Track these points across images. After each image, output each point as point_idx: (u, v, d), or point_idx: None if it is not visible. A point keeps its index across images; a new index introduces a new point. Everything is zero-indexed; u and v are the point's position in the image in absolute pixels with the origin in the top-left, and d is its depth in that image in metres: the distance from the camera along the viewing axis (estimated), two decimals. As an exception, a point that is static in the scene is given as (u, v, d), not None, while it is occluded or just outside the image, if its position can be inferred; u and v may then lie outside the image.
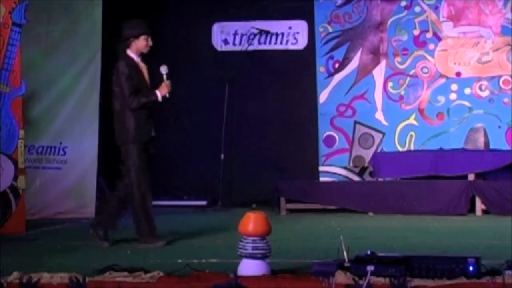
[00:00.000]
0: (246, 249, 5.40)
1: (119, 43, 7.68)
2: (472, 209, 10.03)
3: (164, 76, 7.65)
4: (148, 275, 5.20)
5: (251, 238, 5.41)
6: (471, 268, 4.97)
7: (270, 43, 11.58)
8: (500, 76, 10.96)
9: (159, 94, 7.58)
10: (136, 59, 7.63)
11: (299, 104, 11.35)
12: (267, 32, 11.48)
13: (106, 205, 7.89)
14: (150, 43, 7.69)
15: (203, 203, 11.22)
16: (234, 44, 11.66)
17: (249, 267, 5.34)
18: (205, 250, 6.93)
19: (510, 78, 10.92)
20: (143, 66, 7.68)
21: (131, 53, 7.61)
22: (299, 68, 11.32)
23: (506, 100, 10.92)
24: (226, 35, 11.69)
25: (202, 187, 11.50)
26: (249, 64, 11.46)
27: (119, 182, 7.73)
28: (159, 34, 11.82)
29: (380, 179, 10.67)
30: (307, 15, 11.44)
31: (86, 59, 10.25)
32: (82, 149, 10.18)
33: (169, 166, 11.64)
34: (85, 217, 9.80)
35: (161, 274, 5.22)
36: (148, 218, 7.52)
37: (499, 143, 10.75)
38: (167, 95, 7.61)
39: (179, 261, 6.08)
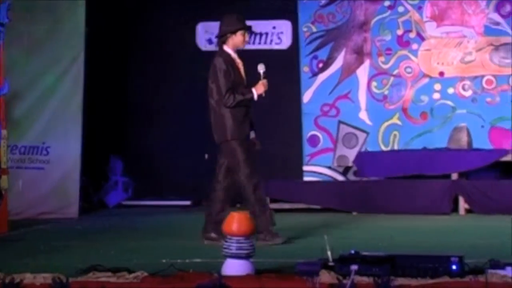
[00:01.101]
0: (230, 249, 5.39)
1: (217, 39, 7.64)
2: (455, 208, 10.07)
3: (261, 75, 7.57)
4: (132, 275, 5.19)
5: (235, 238, 5.41)
6: (454, 267, 4.98)
7: (254, 42, 11.57)
8: (483, 76, 11.00)
9: (255, 92, 7.50)
10: (233, 55, 7.56)
11: (283, 103, 11.35)
12: (251, 32, 11.46)
13: (210, 208, 7.71)
14: (247, 38, 7.66)
15: (188, 203, 11.21)
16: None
17: (233, 267, 5.34)
18: (189, 250, 6.92)
19: (493, 78, 10.96)
20: (239, 62, 7.60)
21: (228, 49, 7.54)
22: (283, 68, 11.32)
23: (489, 99, 10.96)
24: (211, 35, 11.66)
25: (186, 187, 11.49)
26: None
27: (216, 182, 7.61)
28: (144, 34, 11.84)
29: (364, 179, 10.69)
30: (291, 15, 11.45)
31: (69, 59, 10.21)
32: (65, 149, 10.13)
33: (154, 166, 11.63)
34: (68, 218, 9.78)
35: (145, 274, 5.20)
36: (264, 214, 7.35)
37: (482, 142, 10.80)
38: (264, 94, 7.54)
39: (163, 261, 6.06)
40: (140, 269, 5.28)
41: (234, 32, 7.51)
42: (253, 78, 11.32)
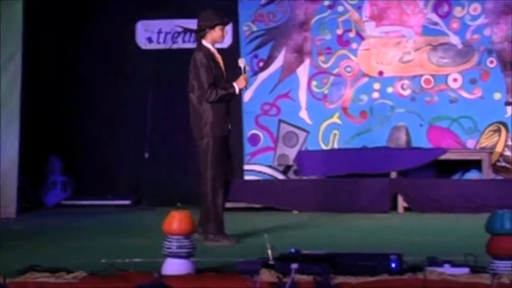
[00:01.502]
0: (170, 248, 5.37)
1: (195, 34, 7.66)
2: (394, 207, 10.16)
3: (242, 69, 7.56)
4: (71, 275, 5.13)
5: (175, 237, 5.39)
6: (393, 265, 5.02)
7: (194, 41, 11.53)
8: (421, 75, 11.12)
9: (237, 87, 7.48)
10: (213, 49, 7.52)
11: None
12: (191, 31, 11.44)
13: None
14: (226, 33, 7.66)
15: (128, 202, 11.14)
16: (158, 42, 11.61)
17: (173, 266, 5.31)
18: (129, 249, 6.87)
19: (431, 78, 11.08)
20: (219, 57, 7.56)
21: (207, 43, 7.51)
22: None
23: (427, 99, 11.08)
24: (150, 34, 11.63)
25: (126, 186, 11.43)
26: (173, 62, 11.41)
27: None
28: (83, 32, 11.73)
29: (304, 178, 10.74)
30: (231, 14, 11.39)
31: (6, 57, 10.08)
32: (3, 148, 10.00)
33: (94, 165, 11.54)
34: (5, 217, 9.66)
35: (84, 274, 5.15)
36: (218, 216, 7.38)
37: (420, 141, 10.91)
38: (245, 88, 7.59)
39: (103, 261, 6.01)
40: (79, 269, 5.22)
41: (213, 27, 7.52)
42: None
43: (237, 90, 7.52)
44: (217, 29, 7.52)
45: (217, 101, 7.40)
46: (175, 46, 11.42)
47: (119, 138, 11.58)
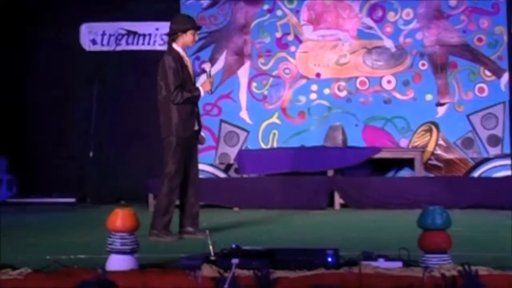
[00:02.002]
0: (114, 245, 5.32)
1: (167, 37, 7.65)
2: (331, 203, 10.22)
3: (207, 73, 7.62)
4: (16, 272, 5.05)
5: (119, 234, 5.35)
6: (330, 260, 5.04)
7: (137, 43, 11.49)
8: (357, 77, 11.21)
9: (202, 90, 7.52)
10: (182, 53, 7.51)
11: (167, 103, 11.29)
12: (134, 33, 11.38)
13: (181, 204, 7.65)
14: (197, 38, 7.65)
15: (72, 200, 11.03)
16: (102, 44, 11.52)
17: (117, 262, 5.27)
18: (74, 246, 6.80)
19: (366, 79, 11.18)
20: (188, 60, 7.57)
21: (177, 47, 7.49)
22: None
23: (362, 100, 11.17)
24: (94, 36, 11.54)
25: (71, 184, 11.32)
26: (117, 64, 11.34)
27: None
28: (29, 34, 11.58)
29: (245, 176, 10.74)
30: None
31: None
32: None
33: (39, 164, 11.41)
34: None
35: (29, 270, 5.08)
36: (167, 213, 7.40)
37: (356, 140, 11.00)
38: (210, 91, 7.60)
39: (48, 257, 5.94)
40: (24, 266, 5.15)
41: (184, 31, 7.51)
42: (139, 78, 11.27)
43: (202, 93, 7.56)
44: (189, 34, 7.53)
45: (182, 103, 7.42)
46: (118, 48, 11.34)
47: (64, 137, 11.47)
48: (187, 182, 7.56)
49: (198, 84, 7.70)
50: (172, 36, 7.55)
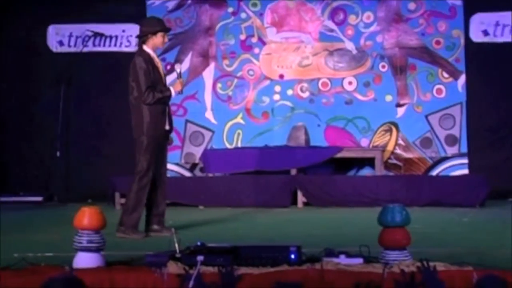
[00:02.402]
0: (81, 243, 5.30)
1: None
2: (294, 202, 10.24)
3: (178, 74, 7.65)
4: (-17, 270, 5.01)
5: (86, 232, 5.32)
6: (293, 256, 5.05)
7: (104, 45, 11.43)
8: (319, 79, 11.24)
9: (173, 90, 7.52)
10: (152, 54, 7.50)
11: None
12: (101, 35, 11.32)
13: (149, 202, 7.60)
14: (166, 39, 7.67)
15: (39, 199, 10.94)
16: (69, 45, 11.44)
17: (84, 260, 5.24)
18: (41, 244, 6.75)
19: (328, 81, 11.21)
20: (158, 62, 7.56)
21: (147, 48, 7.49)
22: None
23: (324, 100, 11.20)
24: (61, 37, 11.45)
25: (38, 183, 11.23)
26: (84, 65, 11.28)
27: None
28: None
29: (210, 175, 10.73)
30: (139, 19, 11.31)
31: None
32: None
33: (6, 162, 11.31)
34: None
35: (-3, 268, 5.04)
36: (136, 211, 7.38)
37: (318, 140, 11.03)
38: (181, 92, 7.63)
39: (15, 255, 5.89)
40: (-9, 264, 5.11)
41: (154, 33, 7.51)
42: (106, 79, 11.21)
43: (173, 94, 7.56)
44: (159, 35, 7.55)
45: (154, 103, 7.41)
46: (85, 50, 11.27)
47: (32, 136, 11.38)
48: (155, 181, 7.55)
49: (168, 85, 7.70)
50: (142, 38, 7.56)
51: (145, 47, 7.54)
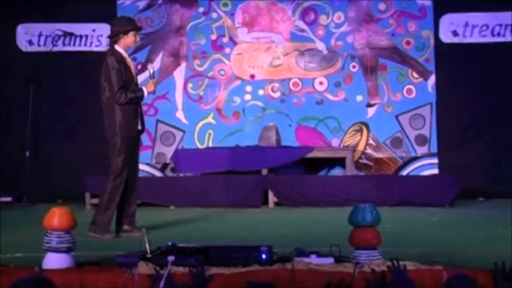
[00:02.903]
0: (51, 243, 5.28)
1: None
2: (265, 202, 10.24)
3: (151, 74, 7.61)
4: (-48, 271, 4.97)
5: (56, 232, 5.30)
6: (264, 256, 5.07)
7: (74, 44, 11.37)
8: (290, 79, 11.25)
9: (146, 90, 7.50)
10: (124, 54, 7.47)
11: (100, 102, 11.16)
12: (71, 34, 11.25)
13: (120, 203, 7.58)
14: (138, 39, 7.63)
15: (9, 199, 10.85)
16: (39, 45, 11.36)
17: (54, 261, 5.22)
18: (11, 245, 6.69)
19: (299, 81, 11.23)
20: (130, 61, 7.52)
21: (119, 48, 7.46)
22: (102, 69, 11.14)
23: (295, 100, 11.22)
24: (31, 36, 11.37)
25: (8, 183, 11.14)
26: (54, 65, 11.21)
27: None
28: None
29: (181, 175, 10.71)
30: (110, 18, 11.25)
31: None
32: None
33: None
34: None
35: (-35, 270, 5.00)
36: (108, 211, 7.37)
37: (289, 140, 11.04)
38: (153, 92, 7.63)
39: (-16, 256, 5.85)
40: (-40, 265, 5.06)
41: (126, 33, 7.51)
42: (76, 79, 11.15)
43: (145, 94, 7.55)
44: (130, 35, 7.55)
45: (126, 103, 7.39)
46: (55, 49, 11.20)
47: (0, 136, 11.29)
48: (127, 181, 7.53)
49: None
50: (114, 37, 7.55)
51: (116, 47, 7.53)
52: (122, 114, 7.42)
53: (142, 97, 7.57)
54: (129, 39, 7.54)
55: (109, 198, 7.43)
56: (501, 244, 6.39)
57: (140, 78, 9.96)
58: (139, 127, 7.58)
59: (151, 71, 7.75)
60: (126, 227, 7.54)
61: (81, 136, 11.21)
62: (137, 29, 7.66)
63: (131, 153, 7.51)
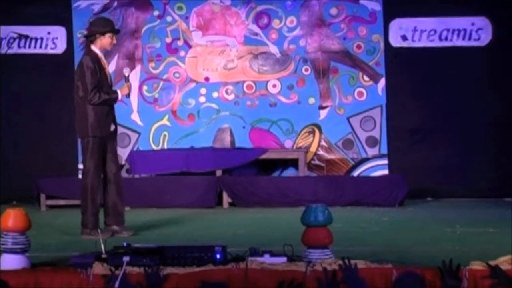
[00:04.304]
0: (6, 244, 5.22)
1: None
2: (219, 202, 10.24)
3: (126, 78, 7.57)
4: None
5: (11, 233, 5.24)
6: (218, 256, 5.06)
7: (29, 47, 11.25)
8: (244, 82, 11.27)
9: (120, 93, 7.43)
10: (100, 55, 7.37)
11: (60, 105, 11.06)
12: (26, 37, 11.12)
13: (105, 203, 7.50)
14: (115, 41, 7.50)
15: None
16: (-7, 47, 11.23)
17: (9, 262, 5.16)
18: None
19: (253, 84, 11.25)
20: (105, 63, 7.43)
21: (95, 48, 7.36)
22: (58, 71, 11.06)
23: (249, 103, 11.23)
24: (-8, 38, 11.24)
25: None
26: (9, 67, 11.07)
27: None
28: None
29: (136, 176, 10.65)
30: (65, 21, 11.22)
31: None
32: None
33: None
34: None
35: None
36: (94, 211, 7.29)
37: (243, 142, 11.05)
38: (128, 95, 7.57)
39: None
40: None
41: (103, 34, 7.43)
42: (31, 81, 11.04)
43: (119, 96, 7.51)
44: (107, 36, 7.47)
45: (99, 104, 7.32)
46: (10, 52, 11.06)
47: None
48: (106, 181, 7.46)
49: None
50: (90, 38, 7.49)
51: (92, 47, 7.45)
52: (94, 114, 7.34)
53: (116, 99, 7.51)
54: (106, 40, 7.46)
55: (86, 200, 7.37)
56: (448, 243, 6.47)
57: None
58: (112, 128, 7.51)
59: (126, 75, 7.70)
60: (115, 227, 7.44)
61: (36, 137, 11.10)
62: (115, 31, 7.59)
63: (106, 153, 7.44)
